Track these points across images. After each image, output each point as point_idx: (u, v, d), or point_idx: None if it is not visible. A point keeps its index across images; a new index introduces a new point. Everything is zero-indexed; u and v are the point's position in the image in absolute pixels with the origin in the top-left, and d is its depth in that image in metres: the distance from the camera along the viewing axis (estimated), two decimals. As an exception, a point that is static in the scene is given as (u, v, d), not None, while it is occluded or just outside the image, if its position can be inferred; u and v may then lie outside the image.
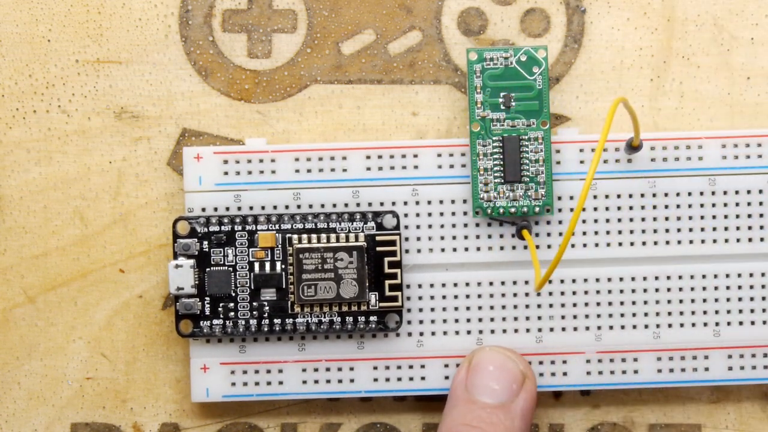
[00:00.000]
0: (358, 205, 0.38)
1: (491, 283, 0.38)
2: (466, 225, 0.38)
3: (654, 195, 0.38)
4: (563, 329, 0.38)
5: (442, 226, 0.38)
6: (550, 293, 0.38)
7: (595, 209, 0.38)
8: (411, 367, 0.38)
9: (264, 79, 0.39)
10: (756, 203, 0.38)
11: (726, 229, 0.38)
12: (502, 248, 0.38)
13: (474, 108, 0.37)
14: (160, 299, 0.39)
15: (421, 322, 0.38)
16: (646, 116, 0.39)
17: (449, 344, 0.38)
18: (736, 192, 0.38)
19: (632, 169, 0.38)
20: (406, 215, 0.38)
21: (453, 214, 0.38)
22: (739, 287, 0.38)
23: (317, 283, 0.37)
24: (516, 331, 0.38)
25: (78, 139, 0.39)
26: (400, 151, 0.38)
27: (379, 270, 0.37)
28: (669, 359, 0.38)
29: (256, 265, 0.37)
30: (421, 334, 0.38)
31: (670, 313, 0.38)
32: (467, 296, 0.38)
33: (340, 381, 0.38)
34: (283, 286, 0.37)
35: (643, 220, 0.38)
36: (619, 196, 0.38)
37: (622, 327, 0.38)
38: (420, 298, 0.38)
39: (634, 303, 0.38)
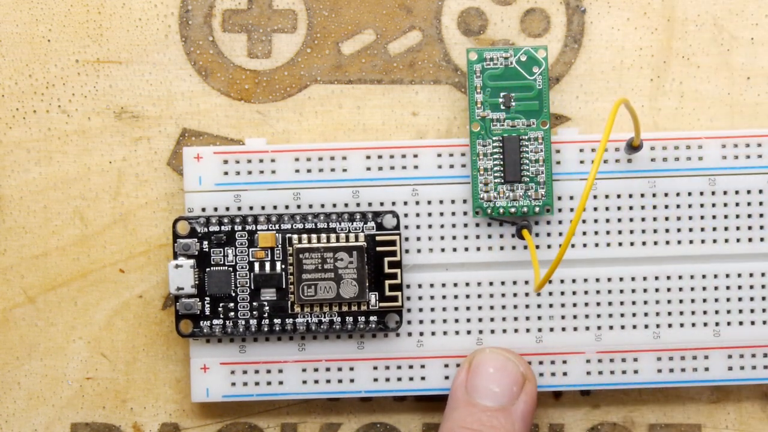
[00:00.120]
0: (358, 205, 0.38)
1: (491, 283, 0.38)
2: (466, 225, 0.38)
3: (654, 195, 0.38)
4: (563, 329, 0.38)
5: (442, 226, 0.38)
6: (550, 293, 0.38)
7: (595, 209, 0.38)
8: (411, 367, 0.38)
9: (264, 79, 0.39)
10: (756, 203, 0.38)
11: (726, 229, 0.38)
12: (502, 248, 0.38)
13: (474, 108, 0.37)
14: (160, 299, 0.39)
15: (421, 322, 0.38)
16: (646, 116, 0.39)
17: (449, 344, 0.38)
18: (736, 192, 0.38)
19: (632, 169, 0.38)
20: (406, 215, 0.38)
21: (453, 214, 0.38)
22: (739, 287, 0.38)
23: (317, 283, 0.37)
24: (516, 331, 0.38)
25: (78, 139, 0.39)
26: (400, 151, 0.38)
27: (379, 270, 0.37)
28: (669, 359, 0.38)
29: (256, 265, 0.37)
30: (421, 334, 0.38)
31: (670, 313, 0.38)
32: (467, 296, 0.38)
33: (340, 381, 0.38)
34: (283, 286, 0.37)
35: (643, 220, 0.38)
36: (619, 196, 0.38)
37: (622, 327, 0.38)
38: (420, 298, 0.38)
39: (634, 303, 0.38)
